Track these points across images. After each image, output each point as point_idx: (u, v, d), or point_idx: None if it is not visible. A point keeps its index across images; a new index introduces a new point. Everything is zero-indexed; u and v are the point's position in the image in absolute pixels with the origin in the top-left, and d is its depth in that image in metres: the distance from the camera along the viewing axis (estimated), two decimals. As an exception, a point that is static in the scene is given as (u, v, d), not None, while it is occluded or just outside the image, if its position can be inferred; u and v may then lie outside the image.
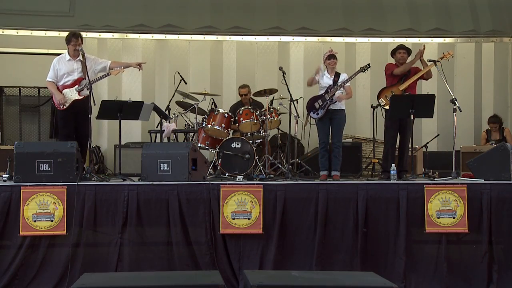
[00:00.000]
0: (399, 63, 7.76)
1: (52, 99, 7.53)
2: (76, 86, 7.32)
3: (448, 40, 10.65)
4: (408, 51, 7.83)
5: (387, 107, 7.57)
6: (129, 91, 9.85)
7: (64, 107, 7.34)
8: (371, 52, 10.54)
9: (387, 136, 7.73)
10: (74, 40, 7.34)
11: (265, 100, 8.29)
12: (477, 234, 6.36)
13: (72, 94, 7.33)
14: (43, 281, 5.96)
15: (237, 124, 8.18)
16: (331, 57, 7.61)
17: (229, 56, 10.49)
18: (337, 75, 7.60)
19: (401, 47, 7.87)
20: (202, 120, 8.21)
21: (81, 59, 7.31)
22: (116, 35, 10.25)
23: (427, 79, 7.93)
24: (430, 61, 7.60)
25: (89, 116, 6.92)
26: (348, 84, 7.60)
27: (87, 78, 7.09)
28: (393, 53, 7.93)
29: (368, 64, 7.72)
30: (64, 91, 7.36)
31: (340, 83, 7.50)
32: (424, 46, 7.87)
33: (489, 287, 6.26)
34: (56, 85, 7.42)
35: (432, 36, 10.55)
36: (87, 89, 7.01)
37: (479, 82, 10.66)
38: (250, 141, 7.92)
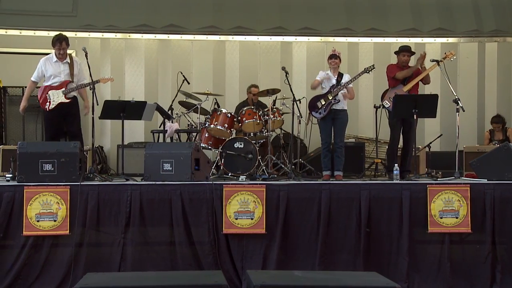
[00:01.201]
0: (401, 65, 7.74)
1: (38, 96, 7.52)
2: (63, 89, 7.32)
3: (451, 40, 10.63)
4: (412, 54, 7.80)
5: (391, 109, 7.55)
6: (132, 91, 9.86)
7: (49, 108, 7.35)
8: (374, 52, 10.52)
9: (391, 136, 7.72)
10: (58, 45, 7.35)
11: (268, 100, 8.30)
12: (480, 234, 6.35)
13: (58, 97, 7.33)
14: (46, 281, 5.97)
15: (240, 124, 8.18)
16: (333, 56, 7.61)
17: (232, 56, 10.49)
18: (340, 75, 7.59)
19: (405, 49, 7.81)
20: (205, 120, 8.21)
21: (68, 61, 7.34)
22: (119, 35, 10.26)
23: (425, 84, 7.90)
24: (432, 61, 7.58)
25: (92, 116, 6.94)
26: (351, 85, 7.59)
27: (90, 79, 7.11)
28: (397, 52, 7.91)
29: (373, 65, 7.70)
30: (50, 92, 7.36)
31: (343, 84, 7.49)
32: (425, 52, 7.82)
33: (492, 287, 6.26)
34: (36, 85, 7.49)
35: (435, 36, 10.53)
36: (91, 89, 7.01)
37: (482, 82, 10.64)
38: (253, 141, 7.91)
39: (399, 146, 7.86)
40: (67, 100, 7.31)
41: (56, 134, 7.46)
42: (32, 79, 7.52)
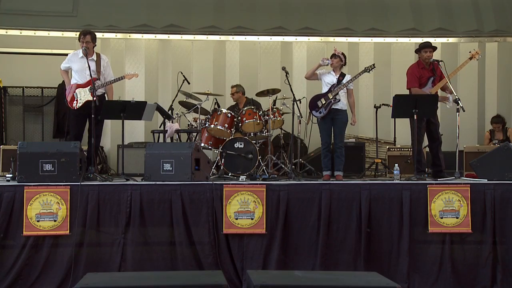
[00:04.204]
0: (425, 62, 7.57)
1: (66, 94, 7.49)
2: (89, 87, 7.24)
3: (451, 40, 10.63)
4: (434, 49, 7.65)
5: None
6: (132, 91, 9.86)
7: (76, 106, 7.32)
8: (374, 52, 10.53)
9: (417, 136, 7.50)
10: (81, 37, 7.30)
11: (268, 100, 8.29)
12: (481, 234, 6.35)
13: (85, 95, 7.28)
14: (47, 281, 5.97)
15: (240, 124, 8.17)
16: (332, 56, 7.61)
17: (232, 56, 10.49)
18: (342, 75, 7.57)
19: (427, 45, 7.64)
20: (205, 120, 8.21)
21: (95, 59, 7.27)
22: (119, 35, 10.26)
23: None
24: (434, 60, 7.56)
25: (93, 116, 6.91)
26: (351, 86, 7.57)
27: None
28: (418, 50, 7.73)
29: (373, 65, 7.69)
30: (77, 90, 7.32)
31: (343, 83, 7.48)
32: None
33: (493, 287, 6.25)
34: (67, 73, 7.46)
35: (435, 36, 10.51)
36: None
37: (482, 82, 10.64)
38: (253, 141, 7.91)
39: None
40: (93, 98, 7.22)
41: (79, 134, 7.40)
42: (61, 67, 7.53)
